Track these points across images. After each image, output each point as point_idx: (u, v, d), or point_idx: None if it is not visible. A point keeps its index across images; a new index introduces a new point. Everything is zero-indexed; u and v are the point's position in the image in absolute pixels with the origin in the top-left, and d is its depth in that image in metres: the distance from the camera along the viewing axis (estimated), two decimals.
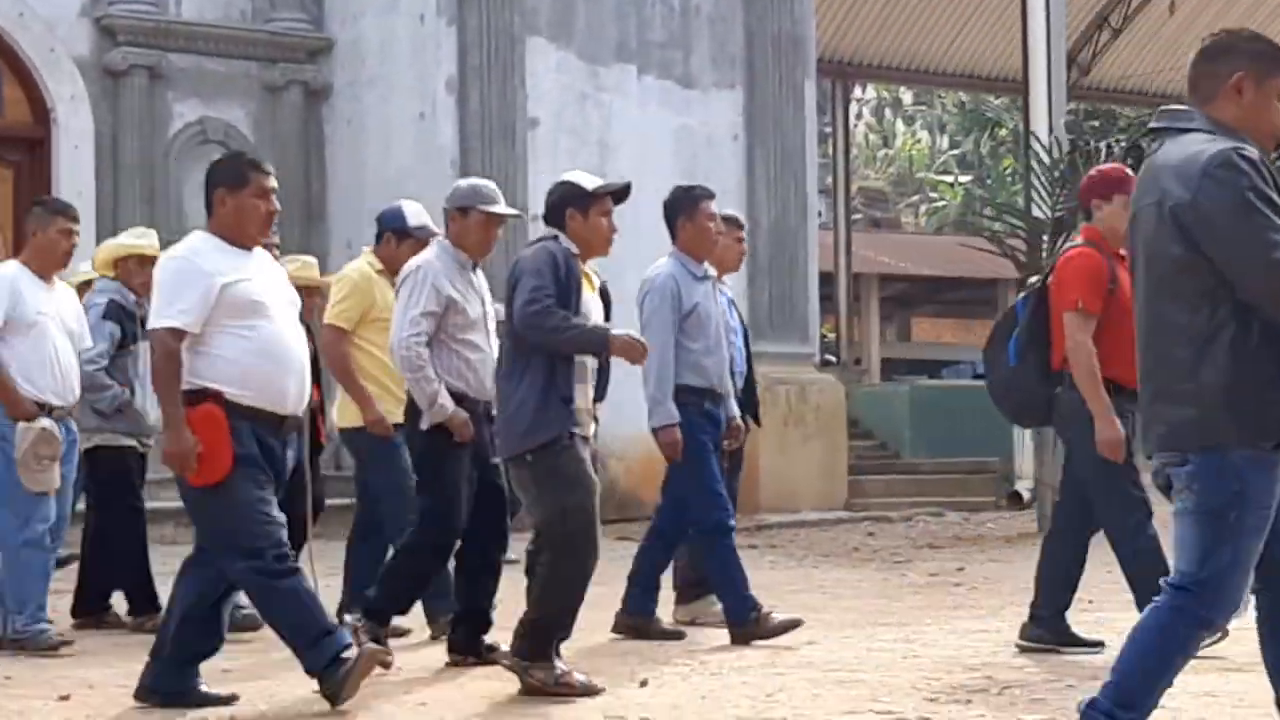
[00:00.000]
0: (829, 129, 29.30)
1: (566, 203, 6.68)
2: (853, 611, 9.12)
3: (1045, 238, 15.21)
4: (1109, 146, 19.15)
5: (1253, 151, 4.29)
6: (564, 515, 6.31)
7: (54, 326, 7.71)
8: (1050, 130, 16.70)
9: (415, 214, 7.94)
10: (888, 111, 47.10)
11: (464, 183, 7.69)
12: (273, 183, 6.29)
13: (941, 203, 43.80)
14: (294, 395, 6.13)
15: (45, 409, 7.60)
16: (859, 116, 39.51)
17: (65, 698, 6.22)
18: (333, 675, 5.58)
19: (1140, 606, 5.71)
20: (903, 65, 29.91)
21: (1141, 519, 7.24)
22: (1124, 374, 6.72)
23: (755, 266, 15.74)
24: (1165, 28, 28.40)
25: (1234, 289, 4.23)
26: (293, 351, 6.14)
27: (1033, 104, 17.91)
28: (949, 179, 45.88)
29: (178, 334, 5.76)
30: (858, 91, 35.24)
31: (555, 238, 6.52)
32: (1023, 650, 7.01)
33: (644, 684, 6.23)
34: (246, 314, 5.91)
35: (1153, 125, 5.02)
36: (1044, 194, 15.54)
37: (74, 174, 14.84)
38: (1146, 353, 4.61)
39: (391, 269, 7.53)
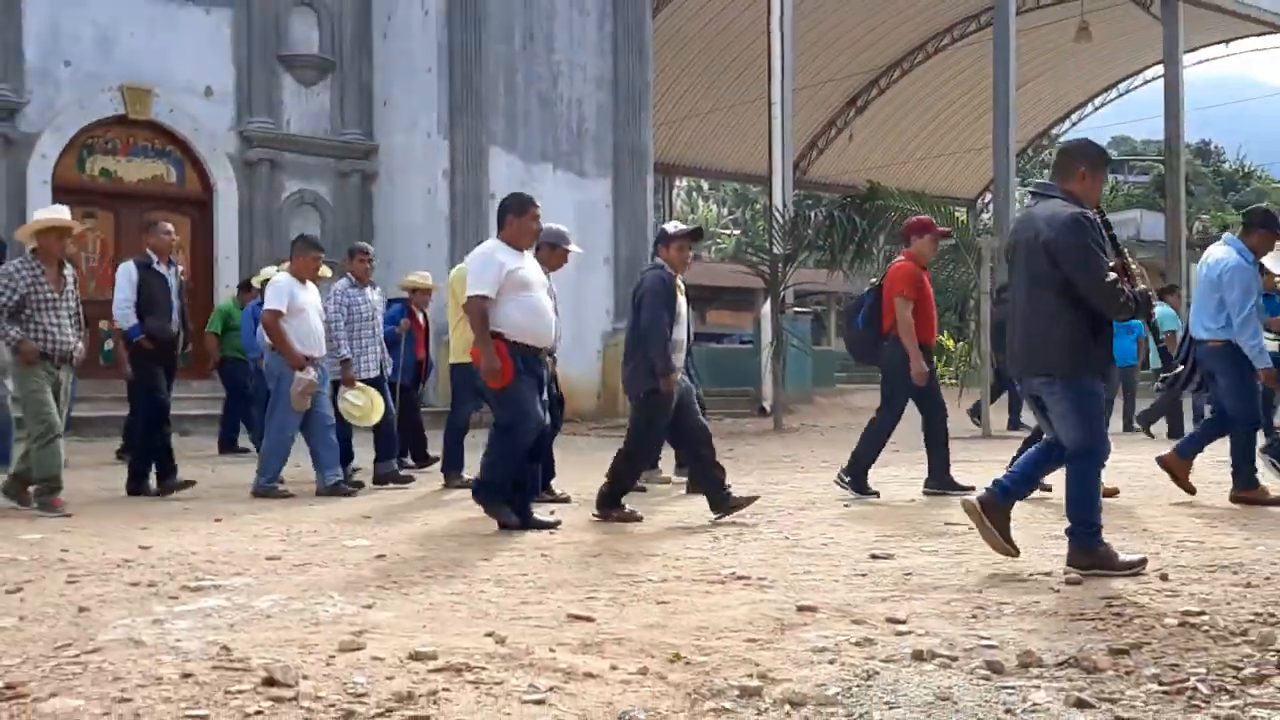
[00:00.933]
0: (660, 202, 32.22)
1: (660, 241, 7.52)
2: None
3: (781, 265, 17.52)
4: (814, 214, 20.90)
5: (1092, 214, 5.26)
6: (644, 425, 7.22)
7: (312, 311, 8.71)
8: (784, 204, 19.19)
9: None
10: (695, 193, 55.16)
11: (552, 227, 8.02)
12: (539, 213, 6.90)
13: (723, 245, 48.58)
14: (545, 337, 6.81)
15: (310, 360, 8.57)
16: (677, 195, 44.94)
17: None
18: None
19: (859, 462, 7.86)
20: (702, 165, 35.13)
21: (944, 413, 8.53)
22: (926, 336, 8.28)
23: (619, 285, 17.77)
24: (848, 149, 32.84)
25: (1076, 290, 5.15)
26: (546, 312, 6.81)
27: (774, 189, 19.99)
28: (728, 232, 51.71)
29: (485, 299, 6.46)
30: (678, 181, 40.55)
31: (659, 266, 7.30)
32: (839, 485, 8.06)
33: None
34: (519, 289, 6.59)
35: (1032, 190, 5.89)
36: (780, 240, 17.75)
37: (226, 224, 16.87)
38: (1024, 320, 5.50)
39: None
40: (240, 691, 3.08)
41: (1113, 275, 5.08)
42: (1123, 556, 5.19)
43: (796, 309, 21.36)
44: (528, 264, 6.72)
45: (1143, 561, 5.18)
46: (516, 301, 6.54)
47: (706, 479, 7.18)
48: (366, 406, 9.14)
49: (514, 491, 6.64)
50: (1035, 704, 3.10)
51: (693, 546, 6.08)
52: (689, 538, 6.37)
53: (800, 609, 4.33)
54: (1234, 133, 47.35)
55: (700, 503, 7.25)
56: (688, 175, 38.86)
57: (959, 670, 3.44)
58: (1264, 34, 29.86)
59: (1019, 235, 5.47)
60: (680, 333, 7.20)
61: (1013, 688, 3.25)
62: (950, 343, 19.58)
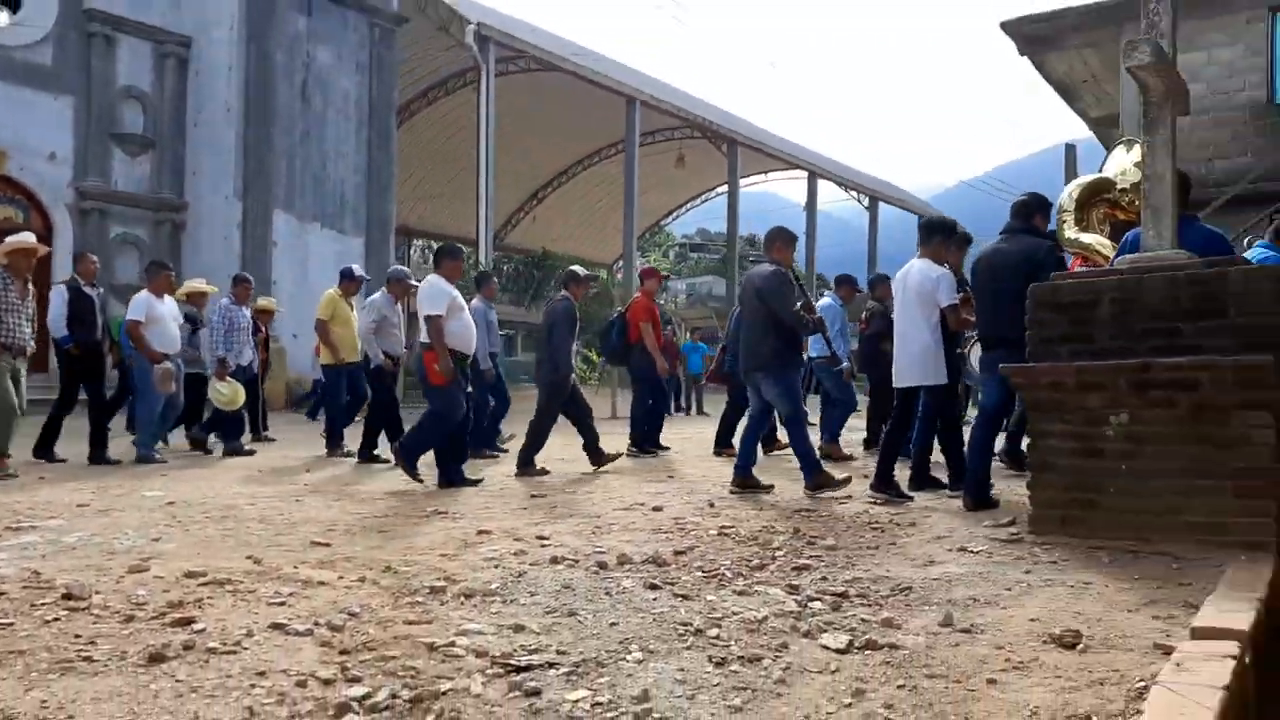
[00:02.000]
0: (401, 255, 31.18)
1: (571, 281, 7.71)
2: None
3: None
4: (505, 268, 22.25)
5: (786, 271, 5.91)
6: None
7: (168, 319, 8.30)
8: (486, 260, 21.13)
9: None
10: (427, 250, 42.97)
11: (398, 268, 8.80)
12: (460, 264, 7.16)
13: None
14: (472, 347, 6.75)
15: (166, 357, 8.14)
16: (415, 250, 39.70)
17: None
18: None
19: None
20: (432, 230, 35.12)
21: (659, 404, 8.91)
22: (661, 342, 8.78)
23: None
24: (532, 225, 34.87)
25: (778, 317, 5.80)
26: (474, 329, 6.80)
27: (480, 249, 21.93)
28: None
29: (440, 318, 6.35)
30: (416, 240, 38.10)
31: (566, 298, 7.51)
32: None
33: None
34: (459, 311, 6.58)
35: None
36: None
37: (62, 256, 15.02)
38: (747, 337, 6.12)
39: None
40: (43, 604, 2.99)
41: (799, 307, 5.91)
42: (838, 477, 5.91)
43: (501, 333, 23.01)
44: (458, 295, 6.64)
45: (847, 479, 5.95)
46: (457, 320, 6.49)
47: (590, 439, 7.35)
48: (231, 395, 8.78)
49: (450, 459, 6.48)
50: (625, 588, 3.33)
51: (401, 488, 6.15)
52: (408, 488, 6.33)
53: (479, 532, 4.45)
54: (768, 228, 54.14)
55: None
56: (422, 237, 37.99)
57: (580, 569, 3.65)
58: (786, 169, 33.84)
59: (746, 285, 6.22)
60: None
61: (612, 578, 3.48)
62: (595, 356, 21.66)
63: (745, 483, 5.99)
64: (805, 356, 7.19)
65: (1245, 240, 8.29)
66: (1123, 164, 6.28)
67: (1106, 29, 12.52)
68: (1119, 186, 6.22)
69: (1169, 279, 3.77)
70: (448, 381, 6.33)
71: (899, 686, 2.40)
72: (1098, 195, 6.31)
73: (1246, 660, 2.49)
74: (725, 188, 30.10)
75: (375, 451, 8.01)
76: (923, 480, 6.02)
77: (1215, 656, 2.32)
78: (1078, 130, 16.43)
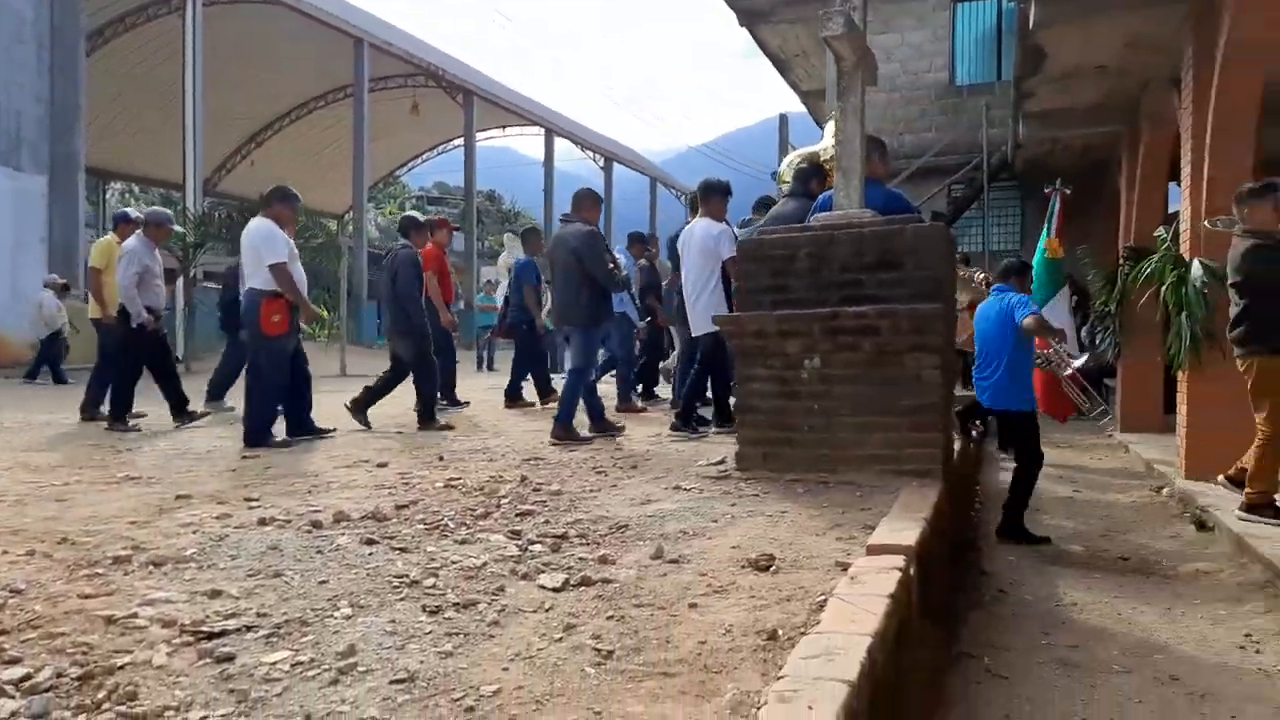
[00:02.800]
0: (95, 198, 29.65)
1: (413, 228, 7.62)
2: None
3: (191, 250, 16.86)
4: (218, 215, 19.44)
5: (598, 231, 6.45)
6: None
7: None
8: (194, 207, 18.42)
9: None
10: (127, 194, 38.69)
11: (158, 210, 8.07)
12: None
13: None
14: (304, 298, 6.42)
15: None
16: (111, 193, 34.83)
17: None
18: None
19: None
20: (133, 173, 32.36)
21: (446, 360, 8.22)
22: (448, 297, 8.47)
23: (53, 258, 16.56)
24: (250, 170, 32.06)
25: (591, 275, 6.13)
26: (304, 279, 6.51)
27: (187, 195, 19.39)
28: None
29: (285, 264, 6.18)
30: (113, 183, 34.19)
31: (408, 246, 7.31)
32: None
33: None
34: (293, 260, 6.38)
35: (562, 217, 6.48)
36: (191, 231, 16.75)
37: None
38: (561, 292, 6.37)
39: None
40: None
41: (610, 266, 6.33)
42: (581, 434, 6.15)
43: (207, 284, 20.49)
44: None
45: (589, 440, 6.11)
46: (294, 269, 6.31)
47: (375, 394, 7.18)
48: None
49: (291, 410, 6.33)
50: (339, 545, 3.20)
51: (97, 457, 5.65)
52: (96, 450, 5.91)
53: (178, 497, 4.14)
54: (508, 184, 54.06)
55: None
56: (122, 179, 34.95)
57: (290, 529, 3.46)
58: (524, 125, 33.34)
59: (558, 244, 6.44)
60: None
61: (326, 536, 3.34)
62: (325, 312, 20.60)
63: (566, 433, 6.12)
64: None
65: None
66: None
67: (814, 6, 13.34)
68: (823, 158, 6.67)
69: (856, 235, 4.12)
70: (287, 331, 6.18)
71: (608, 618, 2.47)
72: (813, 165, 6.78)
73: (911, 571, 2.79)
74: (462, 140, 29.38)
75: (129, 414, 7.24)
76: (687, 420, 6.43)
77: (884, 569, 2.58)
78: (795, 102, 17.45)
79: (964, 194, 14.48)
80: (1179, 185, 7.18)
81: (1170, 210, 8.93)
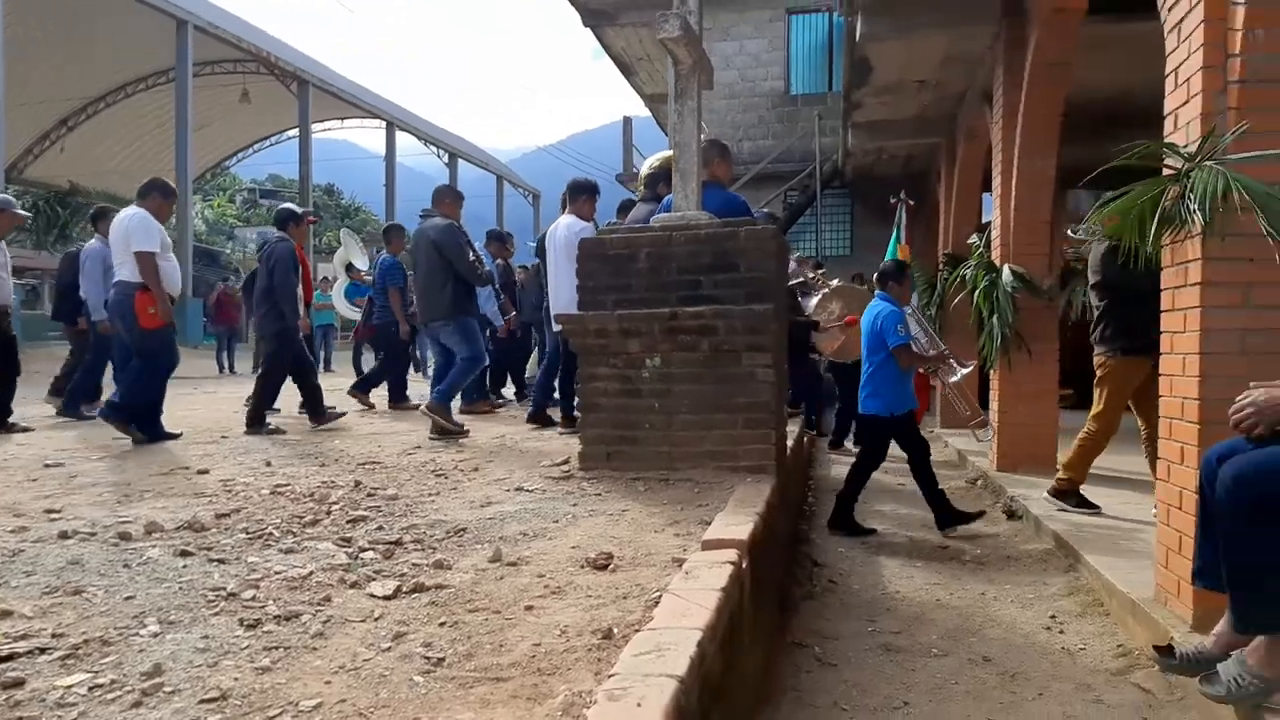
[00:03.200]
0: None
1: (290, 220, 7.20)
2: None
3: None
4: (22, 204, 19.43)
5: (458, 226, 6.46)
6: None
7: None
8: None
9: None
10: None
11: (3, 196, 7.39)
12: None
13: None
14: (178, 289, 6.39)
15: None
16: None
17: None
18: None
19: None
20: None
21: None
22: (308, 296, 7.76)
23: None
24: (59, 157, 29.84)
25: (453, 267, 6.22)
26: (179, 272, 6.43)
27: None
28: None
29: (155, 255, 6.00)
30: None
31: (284, 239, 7.01)
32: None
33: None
34: (167, 250, 6.25)
35: (421, 213, 6.44)
36: None
37: None
38: (424, 287, 6.33)
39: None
40: None
41: (472, 258, 6.36)
42: (455, 418, 6.24)
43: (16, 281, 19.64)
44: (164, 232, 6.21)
45: (465, 432, 6.16)
46: (166, 260, 6.12)
47: (313, 396, 7.00)
48: None
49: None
50: (149, 558, 2.98)
51: None
52: None
53: None
54: (348, 178, 52.15)
55: None
56: None
57: (95, 542, 3.21)
58: (364, 117, 32.10)
59: (420, 238, 6.44)
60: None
61: (135, 549, 3.10)
62: None
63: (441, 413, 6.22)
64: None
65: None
66: None
67: (656, 10, 13.53)
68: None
69: (693, 237, 4.18)
70: (165, 324, 6.02)
71: (440, 624, 2.39)
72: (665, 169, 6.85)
73: (744, 564, 2.84)
74: (297, 131, 27.96)
75: None
76: (553, 420, 6.69)
77: (717, 564, 2.61)
78: (641, 105, 17.67)
79: (799, 200, 15.05)
80: (992, 195, 7.67)
81: (984, 219, 9.53)
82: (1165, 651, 2.86)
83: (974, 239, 8.09)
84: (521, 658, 2.12)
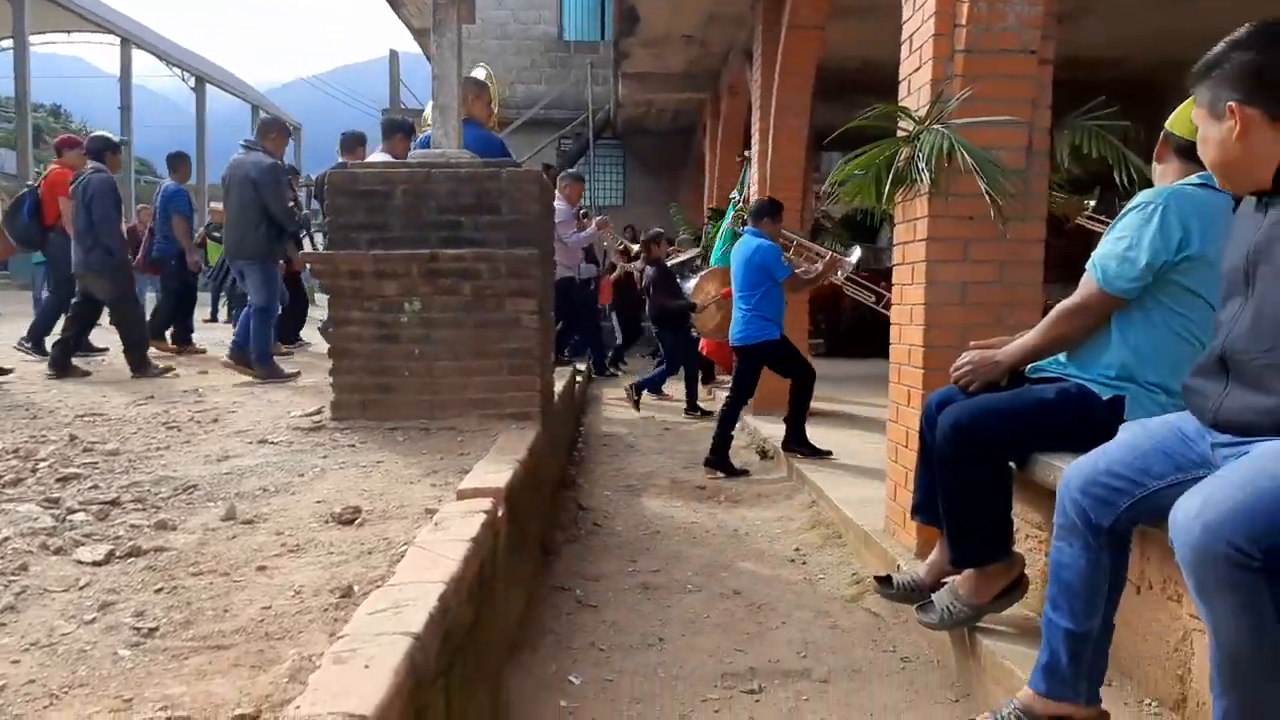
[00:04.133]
0: None
1: (106, 149, 6.88)
2: None
3: None
4: None
5: (282, 164, 6.49)
6: None
7: None
8: None
9: None
10: None
11: None
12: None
13: None
14: None
15: None
16: None
17: None
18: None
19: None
20: None
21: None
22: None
23: None
24: None
25: (269, 208, 6.13)
26: None
27: None
28: None
29: None
30: None
31: (102, 169, 6.63)
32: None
33: None
34: None
35: (242, 144, 6.33)
36: None
37: None
38: (236, 225, 6.24)
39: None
40: None
41: (291, 203, 6.29)
42: (285, 370, 6.21)
43: None
44: None
45: (295, 375, 6.19)
46: None
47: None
48: None
49: None
50: None
51: None
52: None
53: None
54: (78, 99, 46.49)
55: None
56: None
57: None
58: (95, 31, 28.97)
59: (236, 172, 6.19)
60: None
61: None
62: None
63: (266, 370, 6.14)
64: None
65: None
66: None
67: None
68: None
69: (453, 175, 4.00)
70: None
71: (157, 590, 2.16)
72: None
73: (500, 513, 2.77)
74: (10, 43, 24.68)
75: None
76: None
77: (469, 514, 2.53)
78: (410, 40, 16.85)
79: (572, 149, 14.99)
80: (752, 151, 7.93)
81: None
82: (884, 581, 3.07)
83: (734, 194, 8.37)
84: (248, 622, 1.95)
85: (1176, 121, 2.40)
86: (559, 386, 5.60)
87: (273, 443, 3.93)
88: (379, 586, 2.02)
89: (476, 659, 2.25)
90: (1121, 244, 2.32)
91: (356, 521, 2.72)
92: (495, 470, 3.17)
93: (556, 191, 7.23)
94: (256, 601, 2.07)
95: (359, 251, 4.00)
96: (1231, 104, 1.75)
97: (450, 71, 3.99)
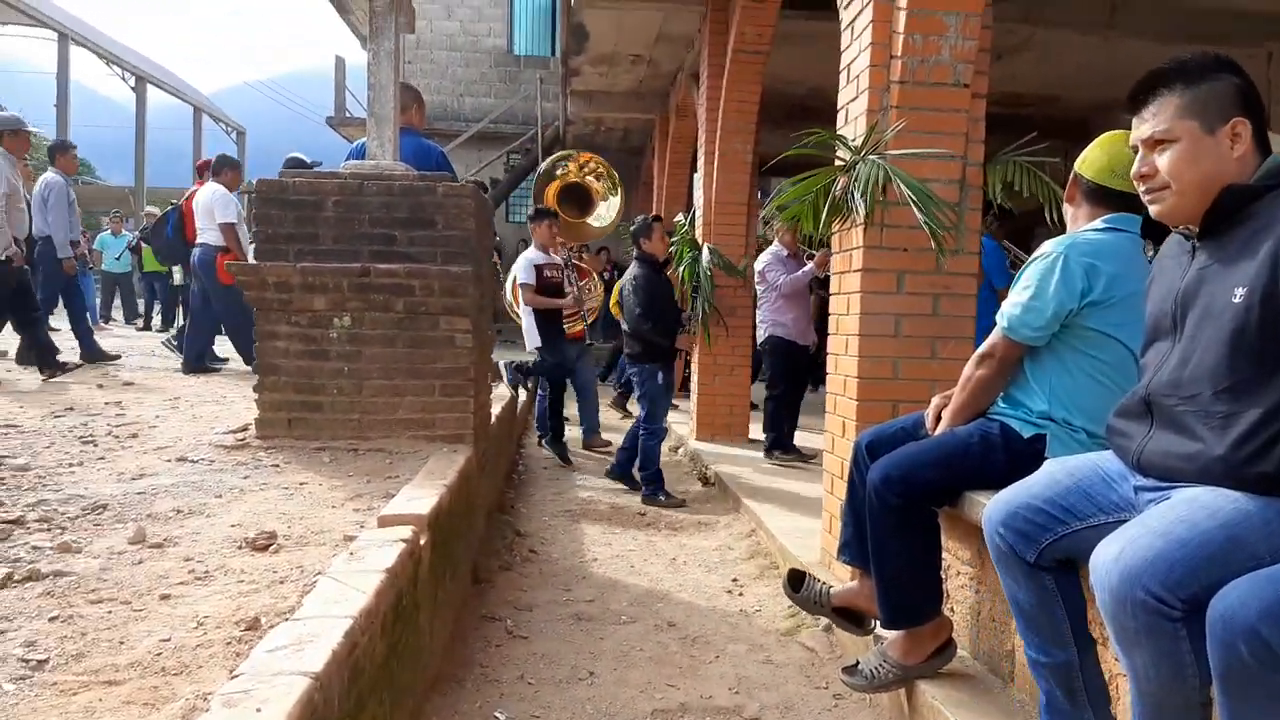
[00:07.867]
0: None
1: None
2: None
3: None
4: None
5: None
6: None
7: None
8: None
9: None
10: None
11: (10, 115, 6.91)
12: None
13: None
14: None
15: None
16: None
17: None
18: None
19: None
20: None
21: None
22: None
23: None
24: None
25: None
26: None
27: None
28: None
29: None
30: None
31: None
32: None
33: None
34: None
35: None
36: None
37: None
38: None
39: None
40: None
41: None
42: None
43: None
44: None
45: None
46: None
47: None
48: None
49: None
50: None
51: None
52: None
53: None
54: (11, 95, 45.05)
55: None
56: None
57: None
58: (29, 26, 29.15)
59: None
60: None
61: None
62: None
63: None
64: None
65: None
66: None
67: None
68: None
69: (386, 187, 3.95)
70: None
71: (52, 619, 2.07)
72: None
73: (422, 540, 2.71)
74: None
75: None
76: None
77: (388, 542, 2.47)
78: (357, 47, 16.68)
79: (521, 164, 14.93)
80: (698, 174, 7.95)
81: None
82: (795, 583, 3.01)
83: (680, 217, 8.40)
84: (145, 656, 1.87)
85: (1086, 164, 2.43)
86: (496, 409, 5.53)
87: (192, 461, 3.81)
88: (287, 619, 1.95)
89: (394, 697, 2.19)
90: (1026, 293, 2.36)
91: (271, 548, 2.64)
92: (421, 495, 3.11)
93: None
94: (156, 633, 1.99)
95: (287, 263, 3.91)
96: (1239, 119, 1.73)
97: (387, 81, 3.94)
